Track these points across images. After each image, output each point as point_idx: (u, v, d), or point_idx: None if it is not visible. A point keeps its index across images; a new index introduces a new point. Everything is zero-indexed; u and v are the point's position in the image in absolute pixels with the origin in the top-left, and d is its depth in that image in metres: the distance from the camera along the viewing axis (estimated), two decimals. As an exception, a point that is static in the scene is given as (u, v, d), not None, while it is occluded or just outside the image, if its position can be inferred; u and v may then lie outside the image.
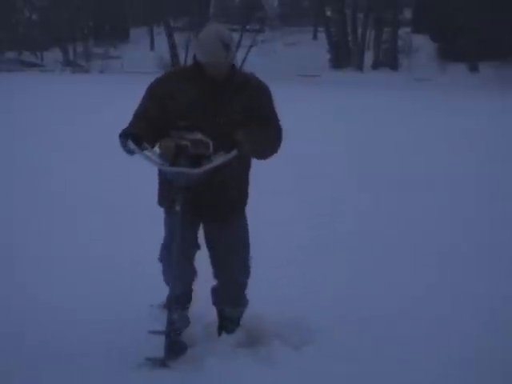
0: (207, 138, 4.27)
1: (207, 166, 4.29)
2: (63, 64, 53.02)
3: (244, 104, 4.55)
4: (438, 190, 10.66)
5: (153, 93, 4.59)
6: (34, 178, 10.72)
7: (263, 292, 5.42)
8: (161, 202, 4.76)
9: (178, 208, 4.35)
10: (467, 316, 5.58)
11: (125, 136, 4.30)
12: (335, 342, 5.02)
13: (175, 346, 4.65)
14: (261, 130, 4.54)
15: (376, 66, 45.30)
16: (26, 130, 16.14)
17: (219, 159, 4.32)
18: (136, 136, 4.30)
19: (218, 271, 4.89)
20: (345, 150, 14.29)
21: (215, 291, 5.03)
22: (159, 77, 4.72)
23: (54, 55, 53.37)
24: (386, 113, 21.78)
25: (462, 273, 6.66)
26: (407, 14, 51.88)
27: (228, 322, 5.03)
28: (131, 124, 4.47)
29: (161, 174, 4.60)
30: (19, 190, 9.98)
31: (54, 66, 51.26)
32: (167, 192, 4.58)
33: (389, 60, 45.43)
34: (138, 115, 4.55)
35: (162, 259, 4.85)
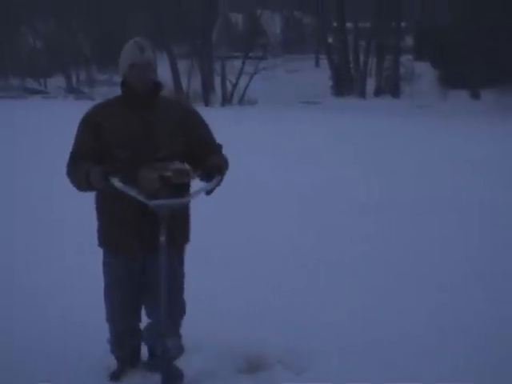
0: (187, 166, 4.27)
1: (193, 195, 4.30)
2: (66, 91, 53.21)
3: (178, 123, 4.55)
4: (442, 214, 10.66)
5: (87, 126, 4.54)
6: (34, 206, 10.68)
7: (264, 317, 5.41)
8: (105, 243, 4.69)
9: (162, 239, 4.29)
10: (470, 342, 5.56)
11: (104, 175, 4.24)
12: (336, 367, 5.00)
13: (172, 374, 4.62)
14: (219, 152, 4.60)
15: (378, 92, 45.36)
16: (28, 155, 16.20)
17: (204, 187, 4.35)
18: (107, 170, 4.28)
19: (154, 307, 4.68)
20: (349, 175, 14.26)
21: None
22: (90, 110, 4.65)
23: (57, 82, 53.53)
24: (389, 138, 21.77)
25: (465, 297, 6.64)
26: (409, 41, 52.09)
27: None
28: (81, 165, 4.40)
29: (109, 211, 4.54)
30: (19, 217, 10.00)
31: (57, 93, 51.43)
32: (113, 232, 4.57)
33: (391, 87, 45.49)
34: (80, 155, 4.50)
35: (108, 300, 4.81)
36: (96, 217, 4.70)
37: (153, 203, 4.23)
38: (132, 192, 4.24)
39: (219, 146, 4.67)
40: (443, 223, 10.10)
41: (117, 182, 4.23)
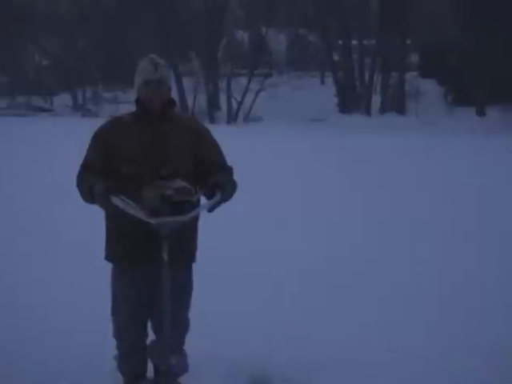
0: (189, 184, 4.29)
1: (193, 213, 4.31)
2: (73, 108, 53.36)
3: (189, 141, 4.60)
4: (446, 229, 10.66)
5: (97, 142, 4.61)
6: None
7: (268, 334, 5.41)
8: (112, 257, 4.73)
9: (165, 256, 4.31)
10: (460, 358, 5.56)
11: (105, 193, 4.28)
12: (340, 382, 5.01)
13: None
14: (227, 172, 4.62)
15: (383, 110, 45.39)
16: (35, 171, 16.26)
17: (205, 205, 4.37)
18: (110, 189, 4.31)
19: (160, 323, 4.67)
20: (356, 193, 14.29)
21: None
22: (102, 125, 4.72)
23: (63, 100, 53.69)
24: (394, 156, 21.80)
25: (464, 315, 6.64)
26: (414, 58, 52.19)
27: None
28: (91, 178, 4.45)
29: (116, 225, 4.59)
30: (27, 231, 10.03)
31: (63, 111, 51.58)
32: (119, 246, 4.61)
33: (396, 104, 45.52)
34: (89, 168, 4.57)
35: (115, 316, 4.83)
36: (104, 230, 4.74)
37: (153, 221, 4.24)
38: (132, 211, 4.26)
39: (229, 169, 4.70)
40: (445, 238, 10.10)
41: (118, 201, 4.26)
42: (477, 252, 9.31)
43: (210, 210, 4.43)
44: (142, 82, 4.56)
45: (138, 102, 4.62)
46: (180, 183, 4.27)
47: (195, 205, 4.33)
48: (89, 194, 4.41)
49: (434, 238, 10.15)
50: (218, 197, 4.36)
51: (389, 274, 8.15)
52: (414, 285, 7.75)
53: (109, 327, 4.86)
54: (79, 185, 4.56)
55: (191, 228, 4.69)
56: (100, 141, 4.60)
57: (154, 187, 4.24)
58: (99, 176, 4.45)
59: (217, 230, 8.82)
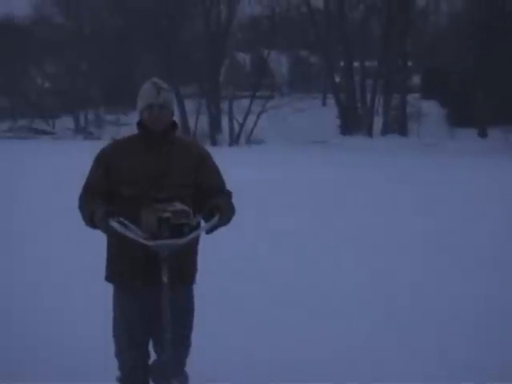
0: (187, 207, 4.27)
1: (192, 235, 4.29)
2: (75, 131, 53.54)
3: (189, 165, 4.60)
4: (456, 252, 10.63)
5: (99, 164, 4.62)
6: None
7: (272, 359, 5.37)
8: (113, 277, 4.70)
9: (165, 279, 4.28)
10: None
11: (104, 217, 4.27)
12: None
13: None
14: (225, 196, 4.61)
15: (385, 131, 45.49)
16: (38, 193, 16.28)
17: (203, 227, 4.35)
18: (109, 214, 4.30)
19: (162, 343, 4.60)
20: (363, 218, 14.27)
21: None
22: (104, 147, 4.72)
23: (65, 122, 53.89)
24: (396, 178, 21.83)
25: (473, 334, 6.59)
26: (416, 79, 52.37)
27: None
28: (93, 199, 4.48)
29: (117, 246, 4.57)
30: (28, 252, 10.01)
31: (65, 133, 51.76)
32: (120, 266, 4.60)
33: (398, 126, 45.65)
34: (91, 190, 4.58)
35: (116, 337, 4.77)
36: (106, 251, 4.73)
37: (152, 244, 4.23)
38: (131, 234, 4.26)
39: (228, 193, 4.69)
40: (452, 260, 10.06)
41: (116, 225, 4.25)
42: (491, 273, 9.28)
43: (208, 231, 4.41)
44: (144, 106, 4.56)
45: (140, 124, 4.63)
46: (178, 206, 4.27)
47: (194, 227, 4.31)
48: (90, 221, 4.42)
49: (440, 255, 10.10)
50: (215, 219, 4.34)
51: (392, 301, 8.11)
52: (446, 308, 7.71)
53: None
54: (81, 207, 4.58)
55: (191, 251, 4.67)
56: (102, 163, 4.61)
57: (152, 210, 4.24)
58: (100, 199, 4.47)
59: (220, 254, 8.80)
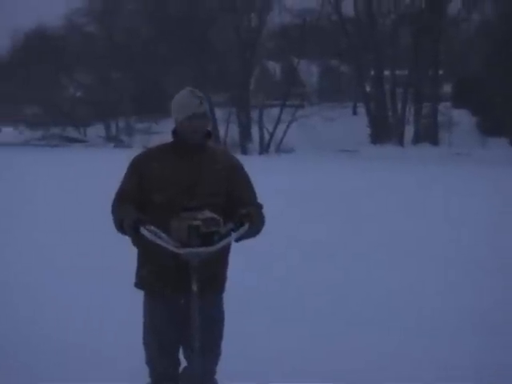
0: (217, 216, 4.27)
1: (222, 243, 4.29)
2: (106, 139, 53.92)
3: (222, 174, 4.59)
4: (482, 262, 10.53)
5: (133, 171, 4.63)
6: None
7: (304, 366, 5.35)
8: (143, 285, 4.70)
9: (194, 287, 4.29)
10: None
11: (134, 225, 4.29)
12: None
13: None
14: (256, 207, 4.61)
15: (416, 140, 45.29)
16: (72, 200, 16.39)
17: (233, 236, 4.34)
18: (140, 221, 4.31)
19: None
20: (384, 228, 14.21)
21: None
22: (138, 155, 4.73)
23: (96, 130, 54.28)
24: (427, 187, 21.72)
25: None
26: (446, 88, 52.07)
27: None
28: (124, 207, 4.50)
29: (148, 254, 4.57)
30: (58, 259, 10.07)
31: (96, 141, 52.13)
32: (150, 274, 4.60)
33: (429, 134, 45.42)
34: (124, 197, 4.60)
35: (146, 344, 4.77)
36: (136, 258, 4.73)
37: (182, 252, 4.24)
38: (161, 242, 4.26)
39: (259, 205, 4.69)
40: (487, 273, 9.97)
41: (146, 232, 4.25)
42: None
43: (237, 240, 4.42)
44: (187, 116, 4.53)
45: (175, 133, 4.64)
46: (208, 214, 4.27)
47: (224, 235, 4.31)
48: (120, 227, 4.45)
49: (467, 267, 10.03)
50: (245, 227, 4.33)
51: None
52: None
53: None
54: (113, 213, 4.60)
55: (221, 259, 4.64)
56: (135, 170, 4.62)
57: (182, 218, 4.25)
58: (132, 207, 4.48)
59: (249, 263, 8.80)
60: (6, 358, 6.17)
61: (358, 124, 47.38)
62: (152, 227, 4.28)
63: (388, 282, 9.29)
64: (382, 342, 6.75)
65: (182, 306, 4.46)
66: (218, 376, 4.78)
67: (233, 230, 4.33)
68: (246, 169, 4.73)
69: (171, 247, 4.23)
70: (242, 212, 4.38)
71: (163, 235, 4.27)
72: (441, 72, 49.07)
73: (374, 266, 10.28)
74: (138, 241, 4.40)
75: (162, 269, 4.51)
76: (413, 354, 6.40)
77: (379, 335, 6.92)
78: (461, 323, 7.42)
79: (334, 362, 6.14)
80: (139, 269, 4.70)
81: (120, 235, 4.47)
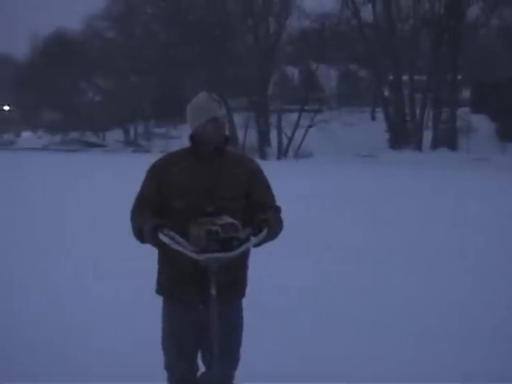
0: (235, 221, 4.25)
1: (241, 249, 4.28)
2: (124, 144, 54.07)
3: (241, 179, 4.58)
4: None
5: (152, 176, 4.63)
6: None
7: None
8: (163, 291, 4.71)
9: (213, 292, 4.28)
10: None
11: (153, 231, 4.30)
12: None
13: None
14: (275, 211, 4.61)
15: (435, 145, 45.16)
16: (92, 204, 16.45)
17: (252, 241, 4.33)
18: (159, 227, 4.31)
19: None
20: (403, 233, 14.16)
21: None
22: (157, 160, 4.73)
23: (115, 135, 54.45)
24: (446, 193, 21.64)
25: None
26: (465, 93, 51.87)
27: None
28: (143, 213, 4.51)
29: (168, 260, 4.56)
30: (79, 265, 10.10)
31: (115, 146, 52.29)
32: (169, 279, 4.60)
33: (448, 140, 45.26)
34: (143, 203, 4.60)
35: (165, 349, 4.78)
36: (157, 264, 4.73)
37: (201, 257, 4.22)
38: (180, 247, 4.25)
39: (277, 208, 4.68)
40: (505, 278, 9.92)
41: (165, 238, 4.25)
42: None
43: (256, 245, 4.40)
44: (207, 119, 4.52)
45: (193, 138, 4.63)
46: (226, 219, 4.24)
47: (243, 241, 4.29)
48: (139, 236, 4.46)
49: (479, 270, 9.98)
50: (264, 233, 4.32)
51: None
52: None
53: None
54: (132, 221, 4.59)
55: (240, 264, 4.63)
56: (154, 176, 4.61)
57: (201, 224, 4.23)
58: (150, 213, 4.48)
59: (269, 267, 8.79)
60: (24, 360, 6.20)
61: (377, 129, 47.29)
62: (171, 232, 4.27)
63: (406, 288, 9.26)
64: (401, 347, 6.72)
65: (201, 311, 4.45)
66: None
67: (252, 235, 4.34)
68: (265, 173, 4.73)
69: (190, 253, 4.22)
70: (261, 218, 4.38)
71: (182, 240, 4.25)
72: (459, 77, 48.88)
73: (393, 272, 10.25)
74: (157, 246, 4.39)
75: (181, 274, 4.50)
76: (431, 360, 6.38)
77: (398, 342, 6.89)
78: (480, 330, 7.38)
79: (354, 369, 6.12)
80: (159, 275, 4.70)
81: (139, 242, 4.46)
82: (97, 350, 6.47)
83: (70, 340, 6.79)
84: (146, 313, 6.07)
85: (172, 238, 4.25)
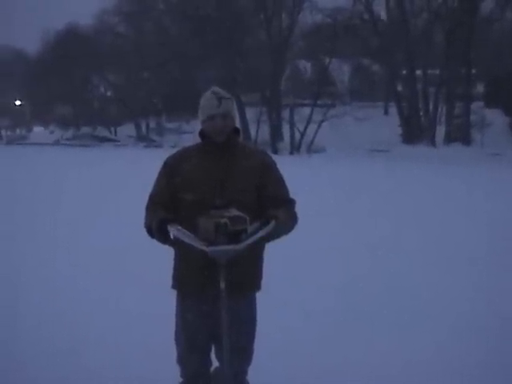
0: (243, 214, 4.20)
1: (248, 241, 4.21)
2: (136, 139, 54.15)
3: (253, 171, 4.56)
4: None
5: (165, 172, 4.68)
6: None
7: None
8: (177, 285, 4.70)
9: (222, 285, 4.24)
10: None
11: (161, 226, 4.33)
12: None
13: None
14: (288, 204, 4.58)
15: (448, 140, 45.01)
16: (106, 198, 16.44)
17: (259, 233, 4.27)
18: (167, 221, 4.34)
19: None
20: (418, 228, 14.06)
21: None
22: (170, 155, 4.78)
23: (127, 130, 54.56)
24: (460, 189, 21.56)
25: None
26: (479, 88, 51.71)
27: None
28: (155, 210, 4.53)
29: (182, 254, 4.58)
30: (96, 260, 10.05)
31: (127, 141, 52.37)
32: (181, 273, 4.63)
33: (461, 135, 45.11)
34: (155, 200, 4.63)
35: (178, 343, 4.77)
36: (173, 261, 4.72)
37: (208, 250, 4.17)
38: (189, 240, 4.23)
39: (291, 201, 4.63)
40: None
41: (174, 231, 4.27)
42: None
43: (268, 239, 4.38)
44: (206, 117, 4.57)
45: (201, 134, 4.64)
46: (234, 212, 4.20)
47: (251, 234, 4.24)
48: (149, 231, 4.47)
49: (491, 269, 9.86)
50: (270, 226, 4.25)
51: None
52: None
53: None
54: (145, 217, 4.60)
55: (252, 258, 4.58)
56: (166, 171, 4.66)
57: (209, 216, 4.20)
58: (161, 210, 4.49)
59: (285, 262, 8.70)
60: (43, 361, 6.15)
61: (390, 124, 47.23)
62: (179, 226, 4.27)
63: (424, 284, 9.16)
64: (421, 345, 6.63)
65: (213, 305, 4.42)
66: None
67: (260, 228, 4.27)
68: (280, 171, 4.67)
69: (198, 245, 4.18)
70: (270, 213, 4.34)
71: (189, 234, 4.24)
72: (473, 71, 48.74)
73: (412, 267, 10.16)
74: (166, 242, 4.39)
75: (192, 268, 4.51)
76: (452, 358, 6.28)
77: (417, 340, 6.80)
78: (501, 328, 7.28)
79: (370, 366, 6.04)
80: (174, 270, 4.70)
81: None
82: (97, 349, 6.39)
83: (70, 340, 6.72)
84: (156, 311, 6.08)
85: (180, 232, 4.25)
